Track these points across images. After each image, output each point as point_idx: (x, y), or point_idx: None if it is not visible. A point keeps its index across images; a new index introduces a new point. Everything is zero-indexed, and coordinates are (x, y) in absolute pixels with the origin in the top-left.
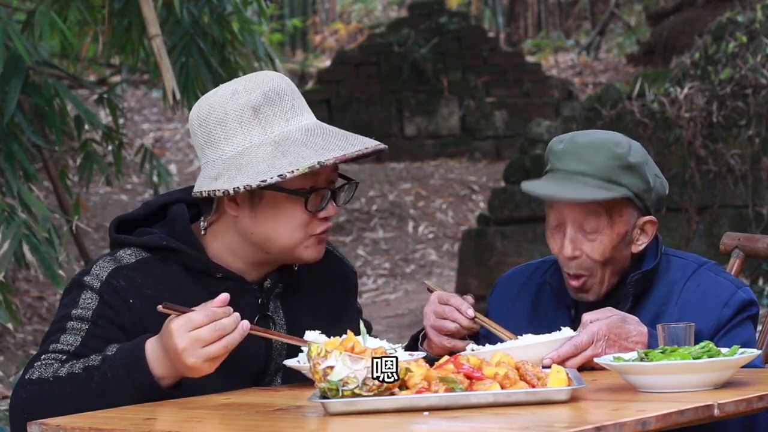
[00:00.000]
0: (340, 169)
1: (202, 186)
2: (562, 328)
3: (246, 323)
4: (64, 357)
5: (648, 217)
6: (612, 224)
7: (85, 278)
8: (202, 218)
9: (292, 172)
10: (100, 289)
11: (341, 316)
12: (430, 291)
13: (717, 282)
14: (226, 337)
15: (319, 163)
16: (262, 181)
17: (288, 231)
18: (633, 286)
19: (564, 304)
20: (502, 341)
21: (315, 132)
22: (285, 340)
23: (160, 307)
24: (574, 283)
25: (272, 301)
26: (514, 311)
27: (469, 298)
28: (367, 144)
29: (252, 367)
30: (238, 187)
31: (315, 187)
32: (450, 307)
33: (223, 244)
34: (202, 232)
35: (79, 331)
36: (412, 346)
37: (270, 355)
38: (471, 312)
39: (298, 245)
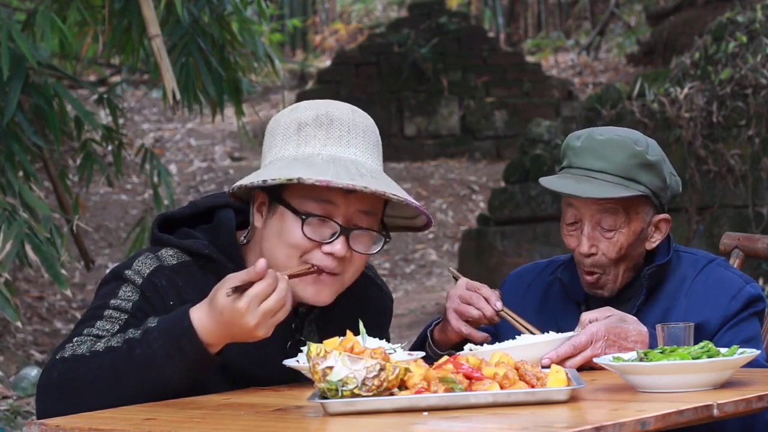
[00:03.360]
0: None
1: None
2: (553, 330)
3: (285, 275)
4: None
5: (663, 215)
6: (629, 222)
7: (126, 272)
8: (246, 231)
9: (274, 180)
10: (142, 285)
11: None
12: (455, 278)
13: (726, 276)
14: (288, 300)
15: (299, 179)
16: (260, 182)
17: (285, 251)
18: (647, 279)
19: (574, 300)
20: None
21: (341, 162)
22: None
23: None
24: (589, 278)
25: (307, 325)
26: (522, 307)
27: (498, 292)
28: (383, 189)
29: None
30: (233, 188)
31: (325, 216)
32: (478, 295)
33: (256, 259)
34: (240, 244)
35: (117, 320)
36: (422, 340)
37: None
38: (499, 304)
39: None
